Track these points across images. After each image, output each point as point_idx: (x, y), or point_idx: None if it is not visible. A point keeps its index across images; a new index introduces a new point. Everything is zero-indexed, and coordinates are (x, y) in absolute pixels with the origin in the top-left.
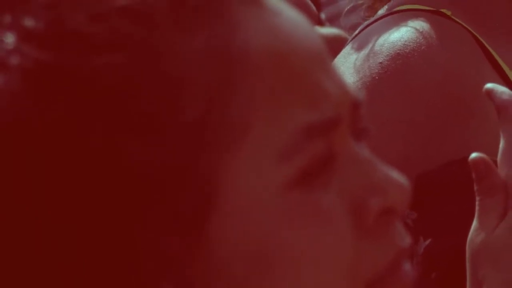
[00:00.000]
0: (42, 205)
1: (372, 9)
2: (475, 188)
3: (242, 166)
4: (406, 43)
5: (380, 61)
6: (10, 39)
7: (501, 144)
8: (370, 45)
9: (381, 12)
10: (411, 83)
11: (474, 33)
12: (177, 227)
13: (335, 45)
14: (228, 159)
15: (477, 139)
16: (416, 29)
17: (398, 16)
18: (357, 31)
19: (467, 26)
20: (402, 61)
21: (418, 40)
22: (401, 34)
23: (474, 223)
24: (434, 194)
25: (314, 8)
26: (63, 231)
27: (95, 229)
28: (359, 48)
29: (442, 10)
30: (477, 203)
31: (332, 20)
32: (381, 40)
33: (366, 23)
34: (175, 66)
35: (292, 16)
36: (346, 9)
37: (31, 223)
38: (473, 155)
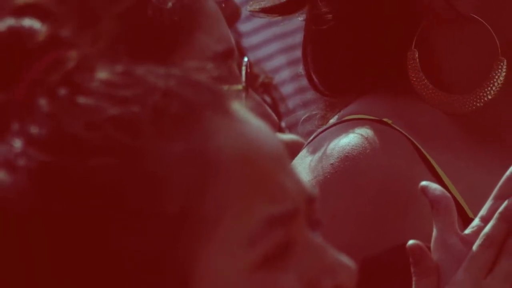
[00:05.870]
0: (43, 281)
1: (325, 118)
2: (412, 270)
3: (214, 252)
4: (353, 147)
5: (331, 162)
6: (17, 143)
7: (434, 232)
8: (323, 149)
9: (332, 121)
10: (357, 181)
11: (411, 139)
12: None
13: (294, 149)
14: (202, 247)
15: (413, 228)
16: (362, 135)
17: (347, 124)
18: (312, 137)
19: (405, 133)
20: (350, 163)
21: (363, 145)
22: (349, 140)
23: None
24: (377, 275)
25: (275, 117)
26: None
27: None
28: (313, 151)
29: (384, 119)
30: (413, 282)
31: (291, 128)
32: (332, 144)
33: (319, 130)
34: (157, 168)
35: (258, 125)
36: (302, 118)
37: None
38: (410, 242)
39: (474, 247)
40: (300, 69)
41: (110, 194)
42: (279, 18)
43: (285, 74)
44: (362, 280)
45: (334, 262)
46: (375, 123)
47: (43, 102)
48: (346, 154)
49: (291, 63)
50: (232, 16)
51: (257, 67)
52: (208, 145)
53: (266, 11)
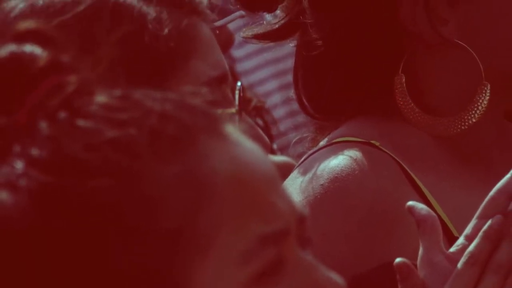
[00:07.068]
0: None
1: (315, 140)
2: (399, 287)
3: (209, 269)
4: (342, 168)
5: (322, 183)
6: (19, 165)
7: (420, 251)
8: (313, 170)
9: (322, 143)
10: (347, 201)
11: (399, 160)
12: None
13: (285, 170)
14: (197, 264)
15: (400, 246)
16: (351, 157)
17: (336, 146)
18: (302, 159)
19: (392, 155)
20: (339, 184)
21: (352, 166)
22: (339, 161)
23: None
24: None
25: (267, 139)
26: None
27: None
28: (304, 173)
29: (372, 141)
30: None
31: (282, 150)
32: (322, 166)
33: (310, 152)
34: (154, 189)
35: (250, 147)
36: (293, 140)
37: None
38: (397, 259)
39: (459, 265)
40: (291, 93)
41: (108, 213)
42: (271, 44)
43: (276, 98)
44: None
45: (324, 280)
46: (364, 145)
47: (43, 125)
48: (336, 175)
49: (283, 87)
50: (226, 42)
51: (250, 92)
52: (203, 167)
53: (258, 37)
